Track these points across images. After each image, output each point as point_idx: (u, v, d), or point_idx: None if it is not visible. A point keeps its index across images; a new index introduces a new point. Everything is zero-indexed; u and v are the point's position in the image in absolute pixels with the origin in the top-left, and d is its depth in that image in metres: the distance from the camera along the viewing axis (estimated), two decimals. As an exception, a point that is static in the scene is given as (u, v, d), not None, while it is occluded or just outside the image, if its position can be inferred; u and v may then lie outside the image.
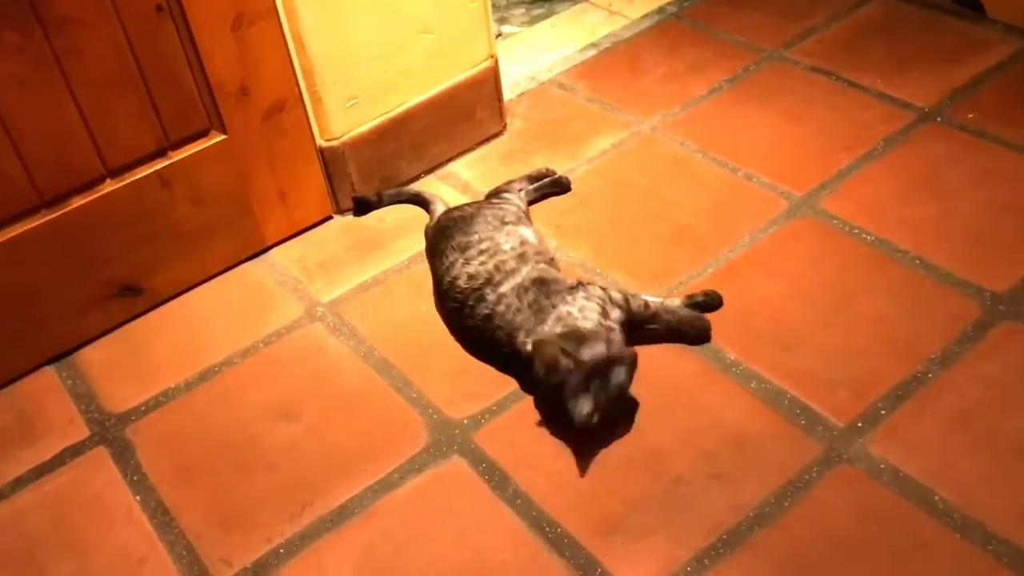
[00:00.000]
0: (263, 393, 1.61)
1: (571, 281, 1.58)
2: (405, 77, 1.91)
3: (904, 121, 1.99)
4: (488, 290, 1.56)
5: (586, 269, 1.75)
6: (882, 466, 1.37)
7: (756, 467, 1.40)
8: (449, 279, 1.62)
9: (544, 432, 1.49)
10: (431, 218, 1.85)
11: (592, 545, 1.33)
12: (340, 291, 1.79)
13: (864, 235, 1.74)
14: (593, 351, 1.40)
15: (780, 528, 1.32)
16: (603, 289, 1.55)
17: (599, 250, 1.80)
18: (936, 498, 1.33)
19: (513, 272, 1.57)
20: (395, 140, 1.95)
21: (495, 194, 1.85)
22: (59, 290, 1.67)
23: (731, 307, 1.64)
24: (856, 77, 2.13)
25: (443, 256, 1.66)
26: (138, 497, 1.48)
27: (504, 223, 1.68)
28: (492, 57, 2.03)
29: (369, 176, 1.96)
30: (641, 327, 1.56)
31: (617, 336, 1.47)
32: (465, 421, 1.52)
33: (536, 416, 1.51)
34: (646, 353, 1.55)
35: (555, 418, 1.47)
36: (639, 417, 1.49)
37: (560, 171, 1.96)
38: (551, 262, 1.65)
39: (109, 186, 1.65)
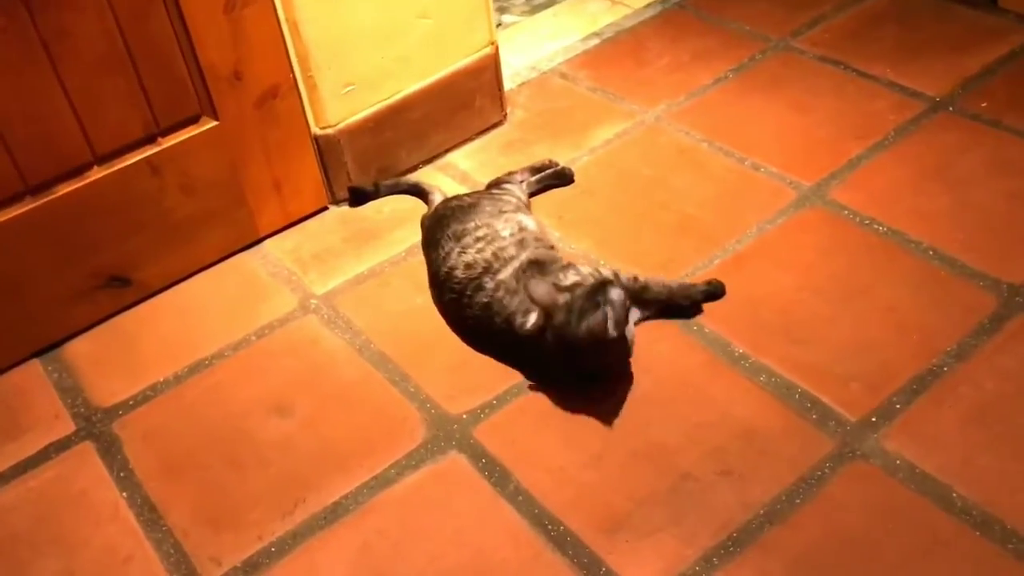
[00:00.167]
0: (255, 387, 1.58)
1: (566, 260, 1.57)
2: (403, 63, 1.86)
3: (915, 111, 1.95)
4: (487, 278, 1.53)
5: (589, 261, 1.70)
6: (898, 462, 1.33)
7: (766, 463, 1.35)
8: (446, 269, 1.58)
9: (546, 427, 1.45)
10: (429, 209, 1.81)
11: (596, 543, 1.29)
12: (335, 283, 1.75)
13: (876, 226, 1.70)
14: (580, 273, 1.47)
15: (792, 526, 1.28)
16: (593, 267, 1.54)
17: (603, 242, 1.76)
18: (954, 495, 1.28)
19: (512, 259, 1.54)
20: (392, 129, 1.91)
21: (495, 184, 1.82)
22: (45, 280, 1.63)
23: (739, 299, 1.60)
24: (865, 66, 2.09)
25: (439, 246, 1.62)
26: (125, 493, 1.44)
27: (502, 212, 1.65)
28: (492, 44, 1.99)
29: (366, 166, 1.91)
30: (633, 302, 1.52)
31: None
32: (464, 416, 1.48)
33: (537, 410, 1.47)
34: (651, 346, 1.53)
35: (567, 382, 1.46)
36: (644, 410, 1.45)
37: (562, 161, 1.92)
38: (551, 249, 1.61)
39: (96, 173, 1.61)
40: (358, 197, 1.92)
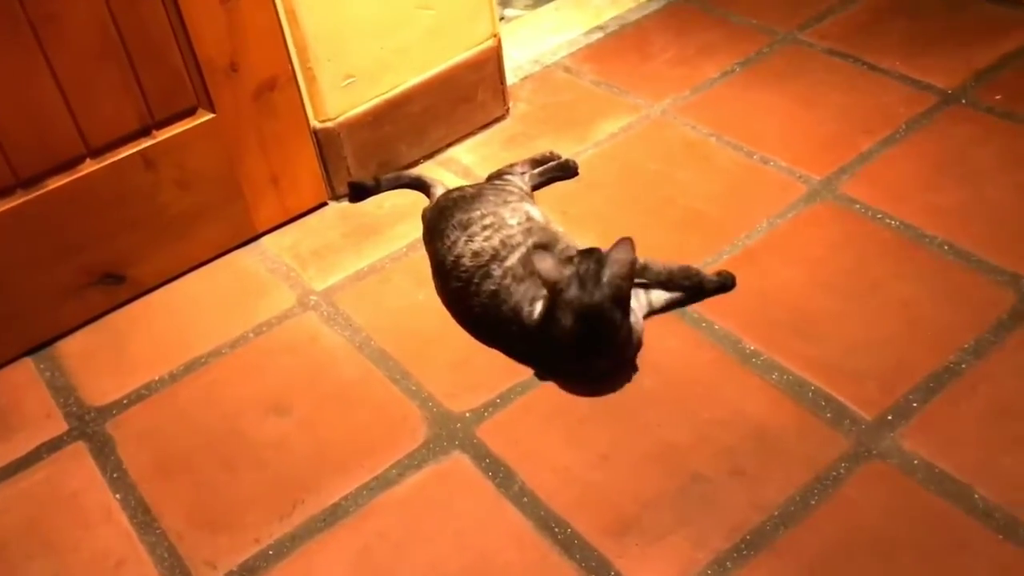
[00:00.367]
0: (252, 385, 1.54)
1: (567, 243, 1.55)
2: (403, 56, 1.83)
3: (927, 104, 1.91)
4: (495, 266, 1.50)
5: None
6: (915, 462, 1.29)
7: (780, 463, 1.31)
8: (452, 258, 1.55)
9: (551, 425, 1.41)
10: (431, 202, 1.77)
11: (604, 546, 1.25)
12: (335, 279, 1.72)
13: (888, 220, 1.66)
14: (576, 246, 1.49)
15: (807, 528, 1.24)
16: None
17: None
18: (976, 496, 1.24)
19: (519, 246, 1.52)
20: (393, 122, 1.87)
21: (496, 176, 1.79)
22: (36, 277, 1.59)
23: (749, 294, 1.56)
24: (875, 59, 2.06)
25: (444, 236, 1.59)
26: (118, 495, 1.41)
27: (507, 202, 1.62)
28: (495, 36, 1.95)
29: (366, 160, 1.88)
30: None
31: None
32: (467, 414, 1.45)
33: (542, 408, 1.44)
34: (660, 343, 1.49)
35: (574, 372, 1.45)
36: (652, 408, 1.41)
37: (566, 155, 1.88)
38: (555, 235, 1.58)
39: (89, 167, 1.58)
40: (358, 192, 1.88)
